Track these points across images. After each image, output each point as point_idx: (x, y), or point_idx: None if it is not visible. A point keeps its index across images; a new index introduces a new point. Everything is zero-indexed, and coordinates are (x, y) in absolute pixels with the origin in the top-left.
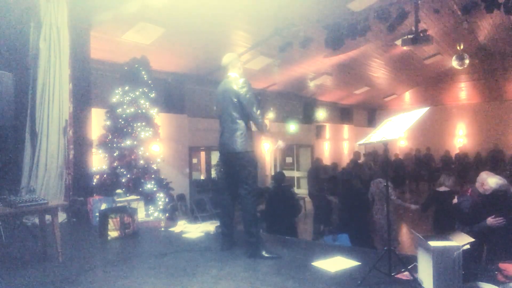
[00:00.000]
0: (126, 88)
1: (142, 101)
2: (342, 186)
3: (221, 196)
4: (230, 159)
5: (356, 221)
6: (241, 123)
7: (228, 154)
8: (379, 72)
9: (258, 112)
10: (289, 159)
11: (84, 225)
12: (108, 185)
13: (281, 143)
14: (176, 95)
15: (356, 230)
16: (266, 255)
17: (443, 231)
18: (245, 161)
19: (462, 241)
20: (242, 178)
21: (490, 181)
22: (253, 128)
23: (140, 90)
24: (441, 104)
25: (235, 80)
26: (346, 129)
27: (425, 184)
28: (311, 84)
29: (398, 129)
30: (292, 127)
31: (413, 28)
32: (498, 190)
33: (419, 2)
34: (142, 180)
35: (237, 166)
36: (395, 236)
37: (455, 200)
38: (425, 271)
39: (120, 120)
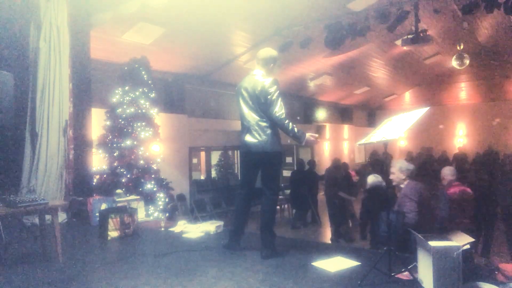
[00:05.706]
0: (126, 88)
1: (142, 101)
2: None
3: (239, 194)
4: (258, 159)
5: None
6: (271, 123)
7: (257, 154)
8: (379, 72)
9: (283, 114)
10: (289, 159)
11: (84, 225)
12: (108, 185)
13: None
14: (176, 95)
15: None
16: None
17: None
18: (275, 161)
19: (462, 241)
20: (270, 177)
21: None
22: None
23: (140, 90)
24: (441, 104)
25: (262, 78)
26: (346, 129)
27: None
28: (311, 84)
29: (398, 129)
30: None
31: (413, 28)
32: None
33: (419, 2)
34: (142, 180)
35: (266, 166)
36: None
37: None
38: (425, 271)
39: (120, 120)
